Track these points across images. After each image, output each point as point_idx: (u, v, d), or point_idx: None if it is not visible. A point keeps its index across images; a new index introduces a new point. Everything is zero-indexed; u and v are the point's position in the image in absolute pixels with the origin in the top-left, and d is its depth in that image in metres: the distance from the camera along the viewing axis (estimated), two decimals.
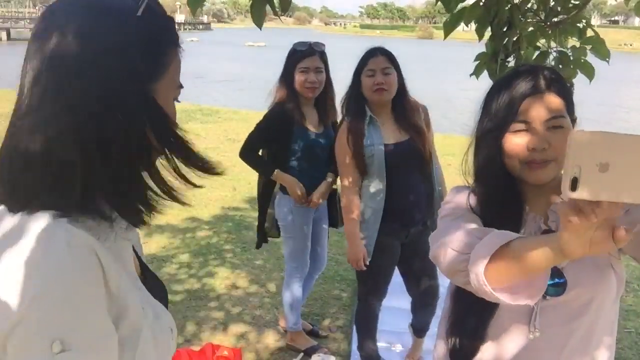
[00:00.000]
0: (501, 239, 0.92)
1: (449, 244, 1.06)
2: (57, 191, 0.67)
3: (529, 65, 1.19)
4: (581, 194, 0.65)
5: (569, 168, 0.66)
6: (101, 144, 0.68)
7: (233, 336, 3.17)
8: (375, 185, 2.50)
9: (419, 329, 2.88)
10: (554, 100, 1.09)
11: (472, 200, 1.20)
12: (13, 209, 0.69)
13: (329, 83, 2.82)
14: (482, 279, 0.92)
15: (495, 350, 1.18)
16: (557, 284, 1.10)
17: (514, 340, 1.15)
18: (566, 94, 1.12)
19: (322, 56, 2.76)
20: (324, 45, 2.81)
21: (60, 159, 0.67)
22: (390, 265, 2.65)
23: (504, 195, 1.16)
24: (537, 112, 1.08)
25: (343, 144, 2.51)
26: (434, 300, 2.75)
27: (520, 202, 1.17)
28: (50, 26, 0.70)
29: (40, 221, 0.66)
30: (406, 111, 2.52)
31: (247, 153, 2.82)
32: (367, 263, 2.55)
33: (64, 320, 0.63)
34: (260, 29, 1.58)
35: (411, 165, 2.51)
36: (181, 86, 0.81)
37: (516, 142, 1.10)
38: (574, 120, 1.14)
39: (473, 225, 1.09)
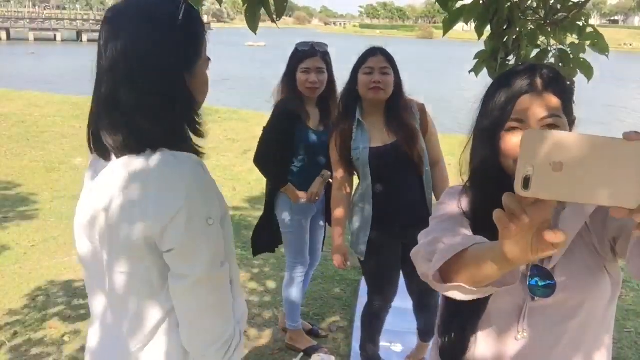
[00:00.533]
0: (457, 247, 0.94)
1: (421, 248, 1.08)
2: (165, 135, 1.03)
3: (528, 63, 1.17)
4: (534, 192, 0.65)
5: (522, 167, 0.66)
6: (163, 105, 1.03)
7: None
8: (363, 187, 2.54)
9: (423, 331, 2.87)
10: (551, 99, 1.08)
11: (464, 202, 1.19)
12: (132, 152, 1.01)
13: (331, 83, 2.82)
14: (435, 284, 0.97)
15: (484, 349, 1.18)
16: (547, 285, 1.09)
17: (502, 340, 1.15)
18: (564, 94, 1.10)
19: (325, 56, 2.77)
20: (326, 45, 2.82)
21: (144, 116, 1.01)
22: (389, 266, 2.64)
23: (495, 194, 1.15)
24: (533, 110, 1.07)
25: (333, 144, 2.56)
26: (433, 300, 2.74)
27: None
28: (118, 27, 1.01)
29: (167, 154, 1.01)
30: (398, 113, 2.50)
31: (262, 160, 2.83)
32: (349, 263, 2.62)
33: (207, 206, 1.01)
34: (255, 34, 1.56)
35: (397, 168, 2.50)
36: (209, 59, 1.12)
37: (511, 140, 1.08)
38: (572, 121, 1.13)
39: (452, 231, 1.10)
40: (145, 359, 1.07)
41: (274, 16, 1.69)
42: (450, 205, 1.21)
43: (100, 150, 1.06)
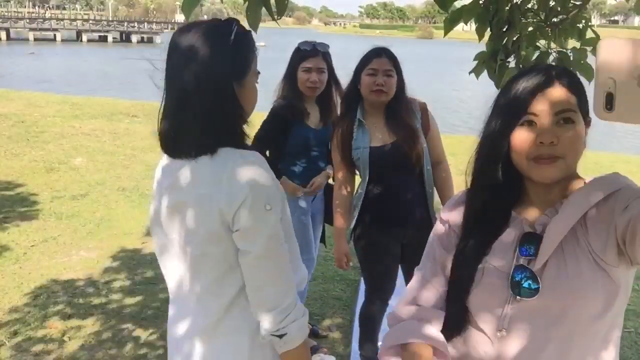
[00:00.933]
0: (399, 339, 1.21)
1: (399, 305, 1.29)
2: (229, 137, 1.24)
3: (543, 64, 1.18)
4: (619, 114, 0.52)
5: (602, 80, 0.53)
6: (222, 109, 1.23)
7: None
8: (363, 187, 2.54)
9: None
10: (564, 94, 1.06)
11: (458, 212, 1.22)
12: (205, 151, 1.22)
13: (332, 82, 2.83)
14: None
15: (466, 344, 1.18)
16: (531, 286, 1.07)
17: (483, 337, 1.14)
18: (579, 91, 1.09)
19: (326, 56, 2.78)
20: (328, 46, 2.84)
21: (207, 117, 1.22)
22: (388, 266, 2.63)
23: (494, 193, 1.15)
24: (545, 104, 1.05)
25: (334, 144, 2.57)
26: None
27: (507, 202, 1.16)
28: (183, 43, 1.22)
29: (234, 152, 1.23)
30: (399, 113, 2.49)
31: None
32: (350, 263, 2.61)
33: (266, 195, 1.19)
34: (256, 32, 1.57)
35: (397, 168, 2.49)
36: (259, 72, 1.32)
37: (523, 136, 1.07)
38: (588, 122, 1.10)
39: (425, 285, 1.26)
40: (220, 332, 1.28)
41: (275, 15, 1.70)
42: (440, 226, 1.27)
43: (174, 150, 1.27)
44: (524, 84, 1.09)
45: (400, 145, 2.45)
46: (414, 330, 1.20)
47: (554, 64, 1.97)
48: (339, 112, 2.79)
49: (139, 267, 4.03)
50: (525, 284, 1.08)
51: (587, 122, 1.10)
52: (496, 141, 1.11)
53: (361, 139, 2.48)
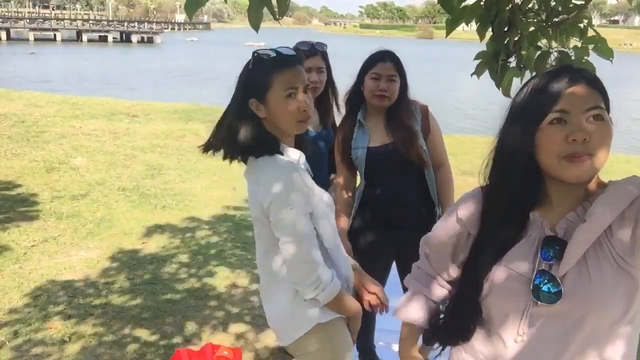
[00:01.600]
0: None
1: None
2: (265, 145, 1.61)
3: (564, 65, 1.17)
4: None
5: None
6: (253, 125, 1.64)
7: (233, 336, 3.16)
8: (361, 187, 2.56)
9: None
10: (593, 92, 1.05)
11: (471, 208, 1.20)
12: (254, 155, 1.62)
13: (330, 83, 2.82)
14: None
15: (484, 348, 1.17)
16: (552, 291, 1.06)
17: (501, 341, 1.13)
18: (604, 93, 1.08)
19: (324, 56, 2.77)
20: (326, 45, 2.82)
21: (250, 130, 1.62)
22: (381, 266, 2.63)
23: (514, 194, 1.12)
24: (577, 100, 1.03)
25: (336, 145, 2.60)
26: None
27: (527, 203, 1.13)
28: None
29: (272, 159, 1.59)
30: (399, 115, 2.49)
31: None
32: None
33: (291, 198, 1.52)
34: (257, 32, 1.61)
35: (394, 169, 2.49)
36: (291, 87, 1.59)
37: (554, 134, 1.04)
38: (610, 120, 1.09)
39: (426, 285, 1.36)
40: (270, 292, 1.73)
41: (277, 15, 1.70)
42: (453, 224, 1.25)
43: (229, 153, 1.68)
44: (550, 83, 1.06)
45: (397, 146, 2.45)
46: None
47: (554, 63, 1.97)
48: (334, 112, 2.81)
49: (139, 267, 4.03)
50: (545, 288, 1.06)
51: (612, 123, 1.08)
52: (520, 141, 1.08)
53: (360, 139, 2.49)
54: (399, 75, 2.46)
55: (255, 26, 1.55)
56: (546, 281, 1.07)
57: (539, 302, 1.07)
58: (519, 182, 1.11)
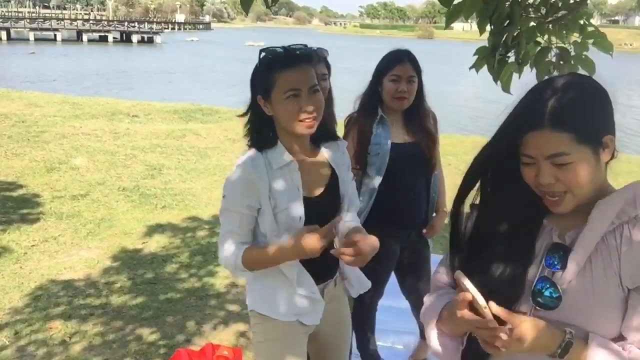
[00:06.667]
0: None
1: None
2: (255, 140, 1.68)
3: (543, 85, 1.09)
4: None
5: None
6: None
7: (233, 335, 3.17)
8: (374, 184, 2.51)
9: (422, 330, 2.87)
10: (555, 138, 1.01)
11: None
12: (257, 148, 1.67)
13: (329, 91, 2.79)
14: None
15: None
16: (552, 296, 1.06)
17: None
18: (576, 124, 1.01)
19: (326, 63, 2.72)
20: (326, 51, 2.79)
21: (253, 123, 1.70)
22: (386, 266, 2.62)
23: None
24: (539, 148, 1.03)
25: (350, 139, 2.49)
26: None
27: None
28: None
29: (247, 152, 1.66)
30: (419, 115, 2.51)
31: None
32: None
33: (226, 187, 1.68)
34: (246, 14, 1.63)
35: (414, 168, 2.51)
36: (293, 89, 1.56)
37: (527, 172, 1.07)
38: (598, 144, 1.03)
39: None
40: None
41: (269, 1, 1.72)
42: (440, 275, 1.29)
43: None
44: (514, 122, 1.07)
45: (420, 146, 2.47)
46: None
47: (554, 59, 1.96)
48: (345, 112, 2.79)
49: (139, 267, 4.03)
50: (547, 292, 1.07)
51: (598, 144, 1.03)
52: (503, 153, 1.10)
53: (382, 134, 2.46)
54: (417, 74, 2.45)
55: (246, 8, 1.63)
56: (548, 286, 1.07)
57: (538, 308, 1.07)
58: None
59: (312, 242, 1.51)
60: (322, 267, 1.73)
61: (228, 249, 1.66)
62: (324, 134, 1.75)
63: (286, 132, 1.64)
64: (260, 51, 1.62)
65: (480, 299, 1.02)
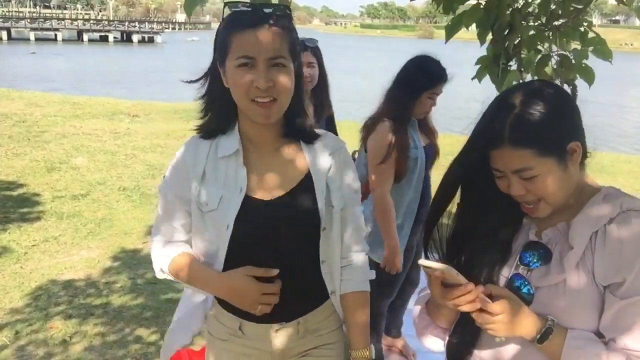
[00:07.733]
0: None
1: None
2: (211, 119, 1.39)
3: (503, 98, 1.08)
4: None
5: None
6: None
7: None
8: (414, 189, 2.51)
9: (393, 328, 2.99)
10: (516, 155, 1.01)
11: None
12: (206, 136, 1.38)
13: (323, 78, 2.84)
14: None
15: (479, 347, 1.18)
16: (531, 293, 1.07)
17: (488, 339, 1.13)
18: (536, 139, 1.01)
19: (315, 51, 2.79)
20: (316, 40, 2.85)
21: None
22: (406, 268, 2.68)
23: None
24: (504, 164, 1.05)
25: (384, 145, 2.40)
26: (406, 303, 2.92)
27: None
28: None
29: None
30: (429, 119, 2.65)
31: None
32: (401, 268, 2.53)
33: (167, 168, 1.41)
34: (190, 16, 1.60)
35: (430, 167, 2.63)
36: (245, 56, 1.22)
37: (501, 184, 1.09)
38: (563, 152, 1.03)
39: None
40: None
41: None
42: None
43: None
44: (477, 141, 1.08)
45: (433, 146, 2.63)
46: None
47: (554, 67, 1.96)
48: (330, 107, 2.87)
49: (139, 267, 4.03)
50: (525, 289, 1.08)
51: (566, 151, 1.03)
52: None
53: (415, 137, 2.51)
54: None
55: (188, 11, 1.43)
56: (526, 283, 1.08)
57: None
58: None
59: (248, 290, 1.28)
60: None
61: (156, 246, 1.41)
62: (299, 128, 1.36)
63: (245, 115, 1.31)
64: (225, 4, 1.28)
65: (450, 269, 1.01)
